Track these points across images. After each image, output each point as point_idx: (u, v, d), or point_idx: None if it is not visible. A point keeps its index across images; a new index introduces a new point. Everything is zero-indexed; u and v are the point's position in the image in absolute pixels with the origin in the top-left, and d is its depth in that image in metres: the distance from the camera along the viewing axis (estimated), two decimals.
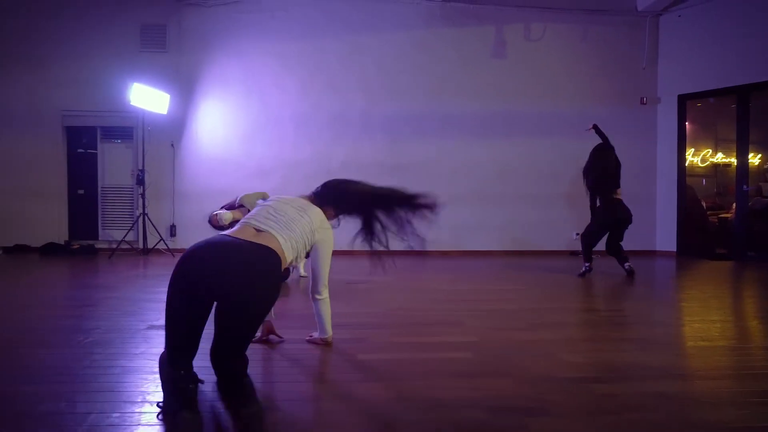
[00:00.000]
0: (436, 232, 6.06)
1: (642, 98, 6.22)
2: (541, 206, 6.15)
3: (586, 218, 6.18)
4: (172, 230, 5.96)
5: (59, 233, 5.98)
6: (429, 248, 6.11)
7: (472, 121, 6.05)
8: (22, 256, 5.57)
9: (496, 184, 6.09)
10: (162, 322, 2.33)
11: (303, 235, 1.67)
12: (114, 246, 5.90)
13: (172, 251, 5.67)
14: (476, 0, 5.94)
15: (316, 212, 1.80)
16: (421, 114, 6.00)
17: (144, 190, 5.57)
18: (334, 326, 2.30)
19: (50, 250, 5.70)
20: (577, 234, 6.22)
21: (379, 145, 5.98)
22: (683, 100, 6.10)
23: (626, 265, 4.30)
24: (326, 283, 1.92)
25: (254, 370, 1.67)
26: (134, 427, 1.24)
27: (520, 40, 6.10)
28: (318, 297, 1.92)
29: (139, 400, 1.40)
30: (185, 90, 5.91)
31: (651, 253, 6.28)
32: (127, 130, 6.00)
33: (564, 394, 1.50)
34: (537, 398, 1.47)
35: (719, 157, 8.10)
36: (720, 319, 2.70)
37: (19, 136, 5.88)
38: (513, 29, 6.09)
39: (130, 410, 1.34)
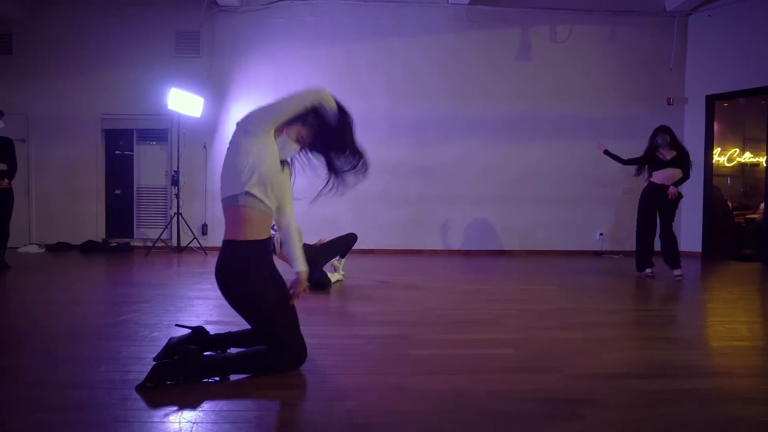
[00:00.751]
0: (460, 232, 6.20)
1: (669, 99, 6.20)
2: (564, 207, 6.19)
3: (609, 219, 6.22)
4: (204, 229, 6.18)
5: (97, 231, 6.26)
6: (453, 247, 6.23)
7: (497, 123, 6.11)
8: (64, 253, 5.85)
9: (520, 186, 6.14)
10: (216, 318, 2.50)
11: (232, 164, 1.69)
12: (149, 244, 6.15)
13: (204, 249, 5.88)
14: (502, 3, 6.00)
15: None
16: (447, 116, 6.09)
17: (179, 191, 5.80)
18: (381, 323, 2.45)
19: (89, 247, 5.98)
20: (601, 234, 6.26)
21: (404, 146, 6.10)
22: (711, 101, 6.06)
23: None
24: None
25: (311, 366, 1.82)
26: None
27: (545, 42, 6.14)
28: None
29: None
30: (217, 93, 6.12)
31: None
32: (161, 132, 6.24)
33: (608, 389, 1.60)
34: (584, 392, 1.57)
35: (747, 157, 7.98)
36: (748, 320, 2.75)
37: (62, 139, 6.17)
38: (539, 31, 6.13)
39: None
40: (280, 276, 1.86)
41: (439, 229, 6.14)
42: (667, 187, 4.20)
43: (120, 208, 6.31)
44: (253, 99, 6.14)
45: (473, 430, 1.31)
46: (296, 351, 1.72)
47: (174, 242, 5.96)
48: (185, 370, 1.60)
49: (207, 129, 6.10)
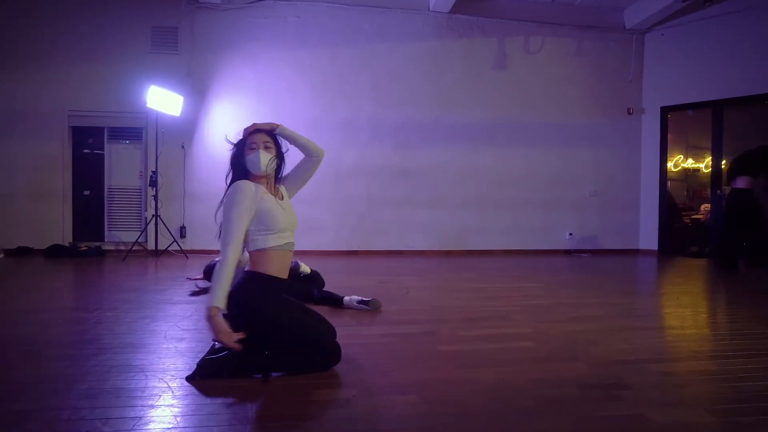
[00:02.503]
0: (442, 233, 6.40)
1: (629, 109, 6.74)
2: (538, 209, 6.57)
3: (579, 220, 6.67)
4: (182, 231, 5.99)
5: (64, 235, 5.89)
6: (436, 248, 6.41)
7: (477, 129, 6.38)
8: (26, 258, 5.47)
9: (498, 189, 6.45)
10: None
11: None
12: (121, 248, 5.88)
13: (185, 252, 5.71)
14: (481, 13, 6.27)
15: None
16: (429, 121, 6.28)
17: (157, 192, 5.59)
18: (400, 322, 2.55)
19: (55, 252, 5.62)
20: (570, 234, 6.71)
21: (387, 150, 6.22)
22: (665, 112, 6.66)
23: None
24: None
25: (356, 365, 1.90)
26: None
27: (520, 53, 6.48)
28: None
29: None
30: (196, 92, 5.95)
31: (635, 252, 6.82)
32: (136, 131, 5.97)
33: (633, 373, 1.80)
34: (612, 377, 1.76)
35: (690, 163, 8.84)
36: (713, 309, 3.11)
37: (24, 135, 5.75)
38: (514, 42, 6.46)
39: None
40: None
41: (422, 231, 6.32)
42: None
43: (89, 210, 5.97)
44: (236, 99, 6.04)
45: (540, 413, 1.45)
46: (328, 352, 1.80)
47: (151, 245, 5.73)
48: (229, 367, 1.71)
49: (186, 128, 5.92)
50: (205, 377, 1.69)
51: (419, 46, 6.25)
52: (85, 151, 5.98)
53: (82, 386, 1.60)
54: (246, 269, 1.83)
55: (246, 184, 1.75)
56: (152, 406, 1.45)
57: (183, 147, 5.97)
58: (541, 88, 6.52)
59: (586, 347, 2.14)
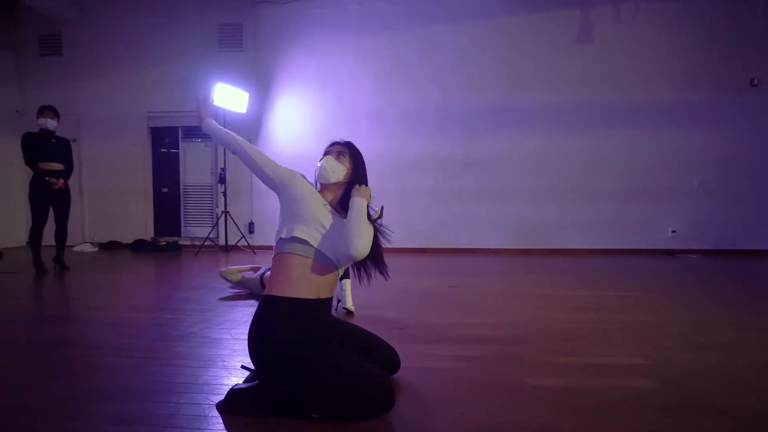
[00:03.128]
0: (518, 229, 5.82)
1: (753, 80, 5.58)
2: (631, 202, 5.71)
3: (685, 214, 5.69)
4: (251, 227, 6.06)
5: (146, 230, 6.25)
6: (509, 246, 5.86)
7: (556, 112, 5.68)
8: (116, 251, 5.86)
9: (583, 179, 5.70)
10: None
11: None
12: (196, 243, 6.09)
13: (252, 248, 5.76)
14: None
15: None
16: (500, 106, 5.71)
17: (226, 189, 5.68)
18: (474, 340, 2.16)
19: (139, 246, 5.97)
20: (674, 231, 5.74)
21: (455, 139, 5.77)
22: None
23: None
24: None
25: (423, 398, 1.55)
26: None
27: (608, 23, 5.64)
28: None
29: None
30: (261, 88, 5.95)
31: (759, 253, 5.69)
32: None
33: None
34: None
35: None
36: None
37: (111, 137, 6.18)
38: (601, 12, 5.64)
39: None
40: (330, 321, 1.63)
41: (494, 226, 5.78)
42: None
43: (167, 206, 6.27)
44: (298, 92, 5.95)
45: None
46: (379, 398, 1.35)
47: (221, 241, 5.87)
48: (259, 402, 1.39)
49: (252, 124, 5.96)
50: (233, 411, 1.42)
51: (488, 25, 5.68)
52: (162, 150, 6.27)
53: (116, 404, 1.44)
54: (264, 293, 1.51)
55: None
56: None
57: (249, 142, 6.00)
58: (634, 62, 5.63)
59: (731, 391, 1.60)
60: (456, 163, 5.79)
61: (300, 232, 1.49)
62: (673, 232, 5.76)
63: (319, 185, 1.69)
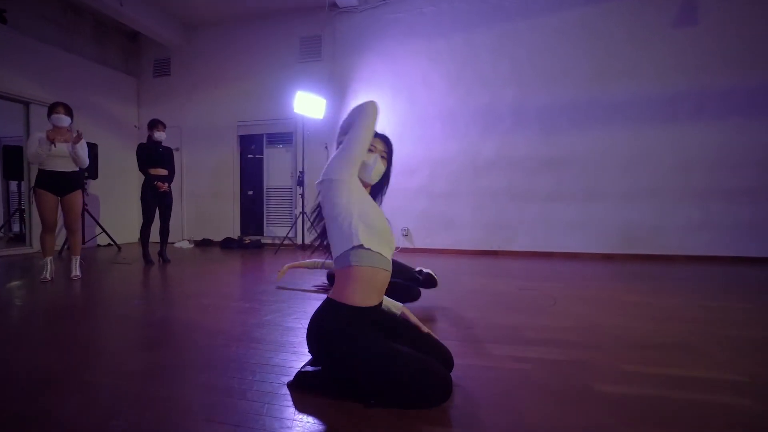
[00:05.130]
0: (601, 232, 5.41)
1: None
2: (740, 202, 5.02)
3: None
4: None
5: (234, 229, 6.84)
6: (592, 250, 5.48)
7: (648, 103, 5.19)
8: (208, 248, 6.49)
9: (679, 177, 5.13)
10: None
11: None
12: (277, 242, 6.53)
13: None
14: None
15: None
16: (583, 101, 5.36)
17: (303, 190, 6.03)
18: (542, 342, 2.07)
19: (228, 244, 6.54)
20: None
21: (533, 138, 5.53)
22: None
23: None
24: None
25: (484, 396, 1.53)
26: None
27: (715, 1, 5.03)
28: None
29: None
30: (337, 94, 6.23)
31: None
32: (287, 135, 6.57)
33: None
34: None
35: None
36: None
37: (207, 146, 6.89)
38: None
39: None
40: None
41: (574, 229, 5.43)
42: None
43: (252, 207, 6.81)
44: (372, 96, 6.13)
45: None
46: (436, 387, 1.37)
47: (299, 240, 6.22)
48: (322, 385, 1.51)
49: (328, 129, 6.25)
50: (301, 389, 1.54)
51: (570, 16, 5.37)
52: (249, 156, 6.83)
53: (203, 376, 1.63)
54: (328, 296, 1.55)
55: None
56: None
57: (326, 147, 6.32)
58: (748, 41, 4.94)
59: None
60: (533, 163, 5.55)
61: (371, 243, 1.47)
62: None
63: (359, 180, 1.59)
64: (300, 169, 6.11)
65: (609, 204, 5.31)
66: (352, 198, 1.48)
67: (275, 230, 6.69)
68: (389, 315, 1.68)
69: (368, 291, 1.48)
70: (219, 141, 6.83)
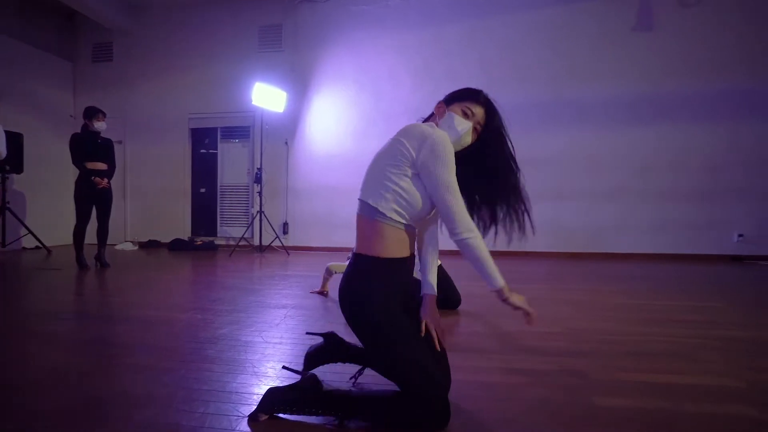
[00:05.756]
0: (568, 232, 5.45)
1: None
2: (693, 203, 5.21)
3: (753, 216, 5.13)
4: (285, 228, 5.99)
5: (184, 229, 6.32)
6: (559, 249, 5.49)
7: (612, 106, 5.28)
8: (154, 250, 5.94)
9: (641, 178, 5.26)
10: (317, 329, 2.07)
11: (383, 170, 1.27)
12: (231, 243, 6.09)
13: (286, 249, 5.68)
14: None
15: (406, 129, 1.28)
16: (550, 100, 5.37)
17: (261, 188, 5.64)
18: (534, 351, 1.91)
19: (177, 245, 6.03)
20: (740, 236, 5.19)
21: None
22: None
23: None
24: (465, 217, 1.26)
25: (473, 418, 1.33)
26: None
27: (672, 7, 5.19)
28: (466, 235, 1.26)
29: None
30: (299, 87, 5.90)
31: None
32: (244, 129, 6.15)
33: None
34: None
35: None
36: None
37: (154, 139, 6.32)
38: None
39: None
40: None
41: (542, 229, 5.42)
42: None
43: (204, 206, 6.32)
44: (336, 91, 5.85)
45: None
46: (432, 408, 1.18)
47: (256, 241, 5.83)
48: (301, 400, 1.25)
49: (289, 124, 5.91)
50: (269, 412, 1.27)
51: (537, 14, 5.37)
52: (202, 151, 6.33)
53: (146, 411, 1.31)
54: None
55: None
56: None
57: (286, 143, 5.97)
58: (701, 50, 5.14)
59: None
60: None
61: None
62: (740, 236, 5.20)
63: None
64: (258, 165, 5.72)
65: (575, 204, 5.35)
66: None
67: (230, 230, 6.24)
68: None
69: (395, 245, 1.30)
70: (168, 134, 6.28)
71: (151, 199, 6.35)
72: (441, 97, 5.22)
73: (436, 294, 1.43)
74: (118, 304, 2.82)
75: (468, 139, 1.36)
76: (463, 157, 1.37)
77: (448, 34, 5.55)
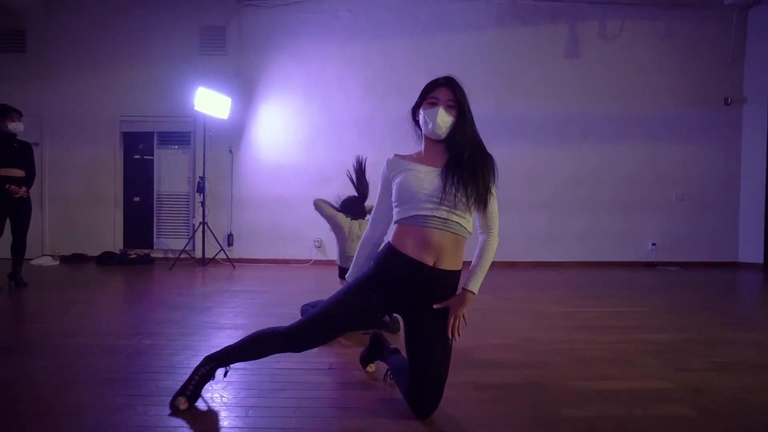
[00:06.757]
0: (506, 241, 5.77)
1: (726, 98, 5.80)
2: (616, 214, 5.79)
3: (664, 227, 5.81)
4: (230, 239, 5.75)
5: (115, 242, 5.82)
6: (499, 258, 5.79)
7: (546, 124, 5.72)
8: (80, 265, 5.41)
9: (568, 191, 5.74)
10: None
11: None
12: (170, 255, 5.73)
13: (232, 262, 5.45)
14: None
15: None
16: (491, 117, 5.67)
17: (204, 198, 5.37)
18: (490, 364, 2.02)
19: (106, 259, 5.54)
20: (654, 244, 5.85)
21: None
22: None
23: None
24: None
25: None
26: None
27: (594, 39, 5.75)
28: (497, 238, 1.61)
29: None
30: (244, 93, 5.71)
31: (733, 265, 5.86)
32: (184, 135, 5.82)
33: None
34: None
35: None
36: None
37: (79, 142, 5.75)
38: (587, 27, 5.74)
39: None
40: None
41: (476, 238, 5.71)
42: None
43: (139, 216, 5.88)
44: (284, 99, 5.75)
45: None
46: (281, 338, 1.49)
47: (198, 254, 5.53)
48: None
49: (233, 132, 5.69)
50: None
51: (480, 35, 5.68)
52: (136, 156, 5.89)
53: None
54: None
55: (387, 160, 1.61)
56: None
57: (231, 151, 5.74)
58: (618, 77, 5.75)
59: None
60: None
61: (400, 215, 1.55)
62: (654, 245, 5.86)
63: (423, 143, 1.59)
64: (200, 173, 5.44)
65: (512, 215, 5.69)
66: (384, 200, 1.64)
67: (168, 242, 5.86)
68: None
69: (409, 244, 1.52)
70: (95, 136, 5.76)
71: (74, 208, 5.78)
72: (390, 110, 5.47)
73: (472, 291, 1.52)
74: (40, 332, 2.53)
75: (447, 119, 1.49)
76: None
77: (396, 49, 5.69)
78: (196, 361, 1.72)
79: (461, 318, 1.51)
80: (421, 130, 1.58)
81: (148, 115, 5.73)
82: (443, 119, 1.47)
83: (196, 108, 4.96)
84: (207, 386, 1.62)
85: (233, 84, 5.64)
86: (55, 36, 5.74)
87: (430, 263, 1.46)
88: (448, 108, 1.49)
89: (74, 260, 5.67)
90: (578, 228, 5.75)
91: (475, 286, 1.51)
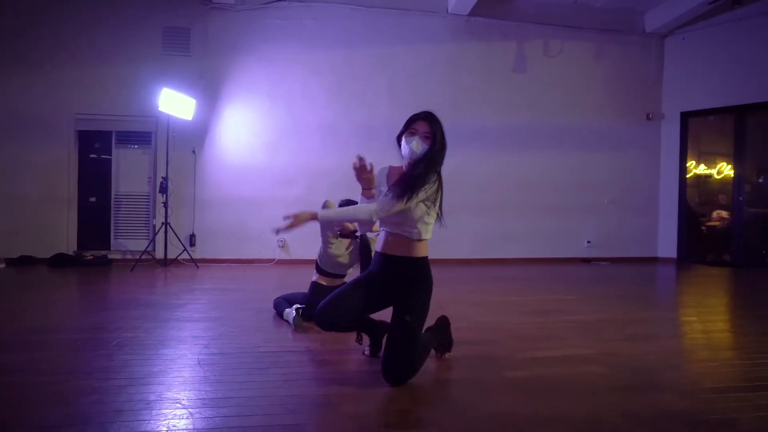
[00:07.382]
0: (459, 241, 6.22)
1: (648, 114, 6.62)
2: (556, 216, 6.42)
3: (598, 227, 6.52)
4: (192, 240, 5.77)
5: (68, 243, 5.65)
6: (453, 256, 6.23)
7: (496, 133, 6.23)
8: (29, 268, 5.22)
9: (517, 195, 6.29)
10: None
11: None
12: (128, 256, 5.66)
13: (195, 262, 5.49)
14: (500, 16, 6.14)
15: None
16: (448, 125, 6.05)
17: (167, 198, 5.37)
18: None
19: (60, 261, 5.38)
20: (589, 242, 6.55)
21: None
22: (685, 117, 6.54)
23: None
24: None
25: (414, 400, 1.71)
26: None
27: (539, 56, 6.35)
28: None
29: None
30: (208, 95, 5.76)
31: (653, 260, 6.68)
32: (144, 135, 5.77)
33: (732, 404, 1.62)
34: (712, 410, 1.58)
35: (702, 169, 8.74)
36: None
37: (30, 139, 5.51)
38: (533, 45, 6.33)
39: None
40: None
41: (435, 238, 6.12)
42: None
43: (95, 217, 5.74)
44: (248, 102, 5.86)
45: None
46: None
47: (159, 254, 5.51)
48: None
49: (197, 133, 5.72)
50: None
51: (437, 49, 6.10)
52: (92, 156, 5.76)
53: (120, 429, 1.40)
54: None
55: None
56: None
57: (194, 152, 5.76)
58: (560, 92, 6.39)
59: (663, 373, 1.97)
60: None
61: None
62: (588, 242, 6.55)
63: (405, 161, 1.93)
64: (162, 174, 5.43)
65: (466, 216, 6.16)
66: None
67: (127, 243, 5.78)
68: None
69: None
70: (46, 134, 5.56)
71: (21, 209, 5.54)
72: (354, 117, 5.94)
73: (312, 212, 1.89)
74: (26, 328, 2.58)
75: (420, 148, 1.86)
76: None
77: (359, 57, 5.98)
78: (180, 349, 1.93)
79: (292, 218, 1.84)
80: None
81: (107, 113, 5.62)
82: (418, 147, 1.84)
83: (160, 108, 4.98)
84: (194, 366, 1.83)
85: (197, 86, 5.68)
86: (6, 23, 5.46)
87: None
88: (424, 138, 1.85)
89: (22, 263, 5.45)
90: (524, 228, 6.32)
91: (320, 212, 1.89)
